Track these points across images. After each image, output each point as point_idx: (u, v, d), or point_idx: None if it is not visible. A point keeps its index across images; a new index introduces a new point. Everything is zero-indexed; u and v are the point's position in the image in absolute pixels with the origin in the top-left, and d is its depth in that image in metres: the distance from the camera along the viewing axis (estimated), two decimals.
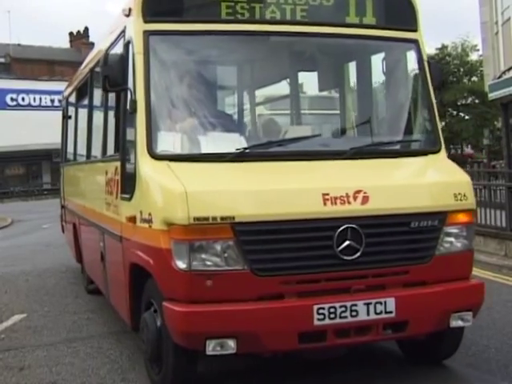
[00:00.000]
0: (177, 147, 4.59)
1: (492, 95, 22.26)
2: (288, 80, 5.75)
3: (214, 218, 4.05)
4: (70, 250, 9.92)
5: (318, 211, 4.20)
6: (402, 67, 5.30)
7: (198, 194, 4.11)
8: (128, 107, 4.68)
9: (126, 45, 4.90)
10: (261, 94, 6.26)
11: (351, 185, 4.33)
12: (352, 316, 4.19)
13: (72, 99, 9.44)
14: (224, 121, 5.02)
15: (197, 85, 4.84)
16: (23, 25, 66.44)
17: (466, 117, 40.66)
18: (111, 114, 5.75)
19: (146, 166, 4.50)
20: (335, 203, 4.23)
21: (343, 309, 4.17)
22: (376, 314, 4.24)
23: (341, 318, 4.17)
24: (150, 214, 4.35)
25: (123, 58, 4.79)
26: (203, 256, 4.07)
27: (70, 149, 9.61)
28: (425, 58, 5.23)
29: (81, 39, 44.19)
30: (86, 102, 7.64)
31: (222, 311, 4.06)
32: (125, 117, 5.00)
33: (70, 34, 45.80)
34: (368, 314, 4.22)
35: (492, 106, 31.90)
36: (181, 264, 4.08)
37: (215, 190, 4.17)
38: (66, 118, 10.20)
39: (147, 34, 4.64)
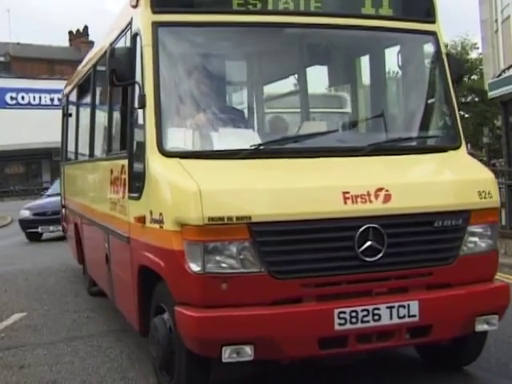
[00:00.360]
0: (188, 144, 4.38)
1: (492, 93, 22.07)
2: (302, 74, 5.53)
3: (230, 218, 3.84)
4: (71, 250, 9.72)
5: (338, 210, 4.00)
6: (420, 60, 5.10)
7: (212, 192, 3.90)
8: (136, 102, 4.47)
9: (134, 37, 4.69)
10: (273, 88, 6.02)
11: (372, 182, 4.13)
12: (374, 320, 3.99)
13: (73, 97, 9.22)
14: (236, 116, 4.81)
15: (208, 79, 4.64)
16: (23, 23, 66.32)
17: (466, 115, 40.49)
18: (117, 110, 5.55)
19: (155, 163, 4.29)
20: (356, 202, 4.02)
21: (365, 313, 3.97)
22: (399, 318, 4.03)
23: (363, 322, 3.96)
24: (160, 214, 4.14)
25: (131, 51, 4.58)
26: (218, 258, 3.87)
27: (71, 147, 9.40)
28: (443, 50, 5.03)
29: (80, 38, 44.03)
30: (88, 99, 7.43)
31: (238, 316, 3.85)
32: (132, 112, 4.79)
33: (70, 32, 45.64)
34: (391, 318, 4.02)
35: (492, 104, 31.71)
36: (194, 266, 3.88)
37: (230, 188, 3.96)
38: (66, 115, 9.98)
39: (156, 26, 4.42)
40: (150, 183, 4.36)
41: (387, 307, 4.01)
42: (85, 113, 7.91)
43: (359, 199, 4.03)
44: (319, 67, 5.31)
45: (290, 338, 3.88)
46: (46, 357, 5.75)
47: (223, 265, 3.87)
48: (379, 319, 3.99)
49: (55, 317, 7.30)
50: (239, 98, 5.71)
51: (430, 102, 5.04)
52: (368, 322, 3.97)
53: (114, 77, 4.49)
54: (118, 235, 5.34)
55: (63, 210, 10.50)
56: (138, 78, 4.52)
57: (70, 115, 9.63)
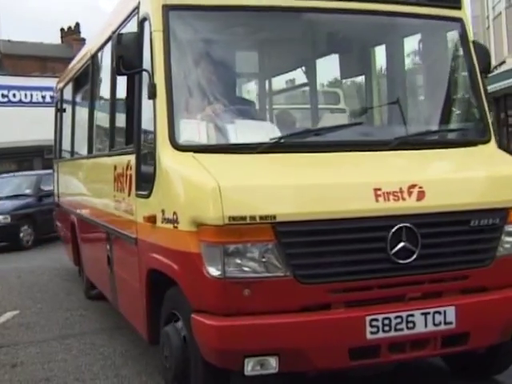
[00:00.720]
0: (202, 137, 4.04)
1: None
2: (322, 63, 5.17)
3: (253, 218, 3.51)
4: (66, 251, 9.37)
5: (370, 209, 3.67)
6: (447, 48, 4.80)
7: (232, 189, 3.57)
8: (147, 92, 4.12)
9: (141, 22, 4.34)
10: (293, 78, 5.66)
11: (404, 178, 3.81)
12: (408, 328, 3.66)
13: (68, 91, 8.85)
14: (254, 108, 4.50)
15: (223, 67, 4.30)
16: (13, 21, 65.36)
17: None
18: (121, 102, 5.19)
19: (168, 158, 3.95)
20: (388, 199, 3.70)
21: (399, 320, 3.64)
22: (434, 325, 3.71)
23: (396, 330, 3.64)
24: (174, 214, 3.80)
25: (139, 37, 4.23)
26: (239, 261, 3.53)
27: (66, 144, 9.05)
28: (470, 38, 4.72)
29: (72, 35, 43.49)
30: (86, 92, 7.09)
31: (262, 325, 3.52)
32: (140, 104, 4.45)
33: (61, 30, 45.12)
34: (426, 325, 3.70)
35: None
36: (213, 271, 3.54)
37: (252, 184, 3.62)
38: (60, 111, 9.60)
39: (167, 9, 4.08)
40: (162, 180, 4.02)
41: (422, 313, 3.69)
42: (82, 107, 7.56)
43: (391, 196, 3.71)
44: (340, 56, 4.96)
45: (319, 348, 3.55)
46: (38, 355, 5.70)
47: (245, 268, 3.54)
48: (413, 327, 3.67)
49: (48, 315, 7.25)
50: (256, 89, 5.33)
51: (457, 93, 4.74)
52: (402, 329, 3.65)
53: (121, 65, 4.13)
54: (123, 236, 5.00)
55: (57, 210, 10.15)
56: (146, 66, 4.17)
57: (64, 111, 9.28)
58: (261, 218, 3.52)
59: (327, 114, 4.99)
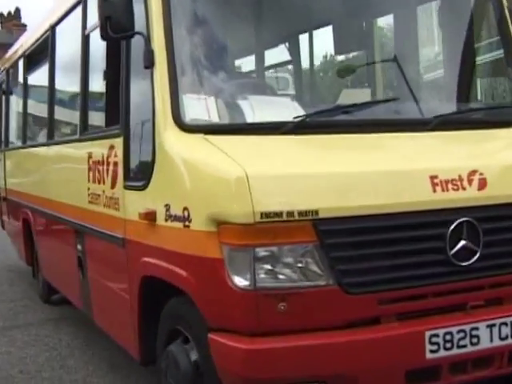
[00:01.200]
0: (213, 115, 3.30)
1: None
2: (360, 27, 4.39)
3: (290, 214, 2.81)
4: (17, 249, 8.41)
5: (427, 201, 3.02)
6: (484, 15, 4.17)
7: (263, 178, 2.86)
8: (143, 61, 3.34)
9: None
10: (321, 43, 4.80)
11: (462, 164, 3.18)
12: (472, 344, 3.04)
13: (16, 71, 7.89)
14: (274, 80, 3.75)
15: (238, 30, 3.55)
16: None
17: None
18: (97, 76, 4.39)
19: (172, 141, 3.20)
20: (447, 189, 3.06)
21: (462, 335, 3.01)
22: (501, 339, 3.09)
23: (458, 347, 3.01)
24: (185, 209, 3.05)
25: None
26: (273, 268, 2.83)
27: (15, 130, 8.09)
28: (505, 4, 4.13)
29: (12, 21, 41.65)
30: (43, 69, 6.17)
31: (301, 347, 2.83)
32: (128, 76, 3.67)
33: (1, 15, 43.13)
34: (491, 339, 3.08)
35: None
36: (240, 280, 2.82)
37: (287, 172, 2.92)
38: (5, 94, 8.59)
39: None
40: (165, 168, 3.26)
41: (487, 326, 3.07)
42: (38, 88, 6.65)
43: (450, 185, 3.07)
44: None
45: (371, 372, 2.89)
46: None
47: (281, 277, 2.84)
48: (478, 342, 3.05)
49: None
50: (276, 56, 4.49)
51: (497, 67, 4.12)
52: (465, 346, 3.02)
53: (109, 27, 3.32)
54: (103, 235, 4.21)
55: (3, 203, 9.14)
56: (140, 28, 3.39)
57: (11, 93, 8.31)
58: (300, 213, 2.82)
59: (351, 89, 4.27)
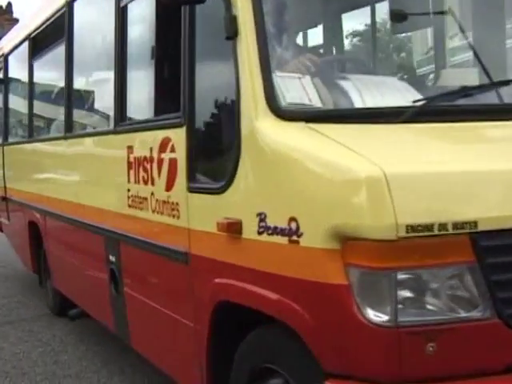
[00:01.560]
0: (314, 98, 2.60)
1: None
2: None
3: (443, 226, 2.13)
4: (20, 255, 7.66)
5: None
6: None
7: (406, 179, 2.17)
8: (224, 29, 2.64)
9: None
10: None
11: None
12: None
13: (17, 57, 7.11)
14: (382, 57, 3.06)
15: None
16: None
17: None
18: (137, 54, 3.68)
19: (269, 131, 2.49)
20: None
21: None
22: None
23: None
24: (292, 220, 2.35)
25: None
26: (421, 297, 2.16)
27: (17, 123, 7.33)
28: None
29: (3, 15, 40.86)
30: (57, 50, 5.42)
31: None
32: (193, 51, 2.96)
33: None
34: None
35: None
36: (376, 314, 2.14)
37: (432, 171, 2.24)
38: (3, 82, 7.78)
39: None
40: (257, 165, 2.56)
41: None
42: (49, 73, 5.89)
43: None
44: None
45: None
46: None
47: (429, 307, 2.17)
48: None
49: None
50: (385, 31, 3.69)
51: None
52: None
53: None
54: (152, 247, 3.50)
55: (3, 203, 8.35)
56: None
57: (12, 81, 7.53)
58: (454, 226, 2.15)
59: (452, 69, 3.58)
